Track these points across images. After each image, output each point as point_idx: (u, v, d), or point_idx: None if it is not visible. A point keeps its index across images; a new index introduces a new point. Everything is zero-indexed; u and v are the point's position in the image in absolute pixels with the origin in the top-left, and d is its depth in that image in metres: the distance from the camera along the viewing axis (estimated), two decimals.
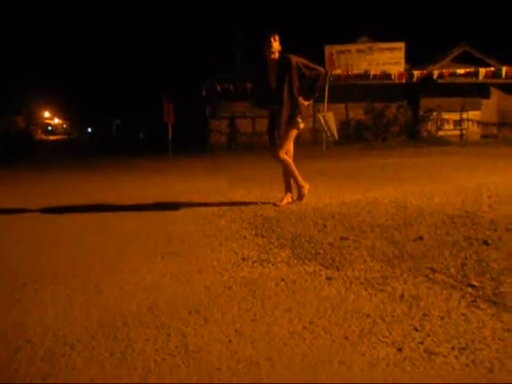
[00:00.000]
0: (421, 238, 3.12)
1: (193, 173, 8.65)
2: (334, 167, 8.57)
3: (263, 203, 4.67)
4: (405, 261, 2.62)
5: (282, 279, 2.35)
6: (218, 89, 16.54)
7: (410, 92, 16.23)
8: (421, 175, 6.86)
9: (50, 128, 66.40)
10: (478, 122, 17.88)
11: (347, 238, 3.12)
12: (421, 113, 16.94)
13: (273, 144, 4.57)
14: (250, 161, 11.47)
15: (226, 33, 21.38)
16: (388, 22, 18.78)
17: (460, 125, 17.65)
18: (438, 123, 17.11)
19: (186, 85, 17.44)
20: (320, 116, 18.29)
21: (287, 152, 4.51)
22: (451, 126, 17.52)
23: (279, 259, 2.69)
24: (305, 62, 4.37)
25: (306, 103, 4.43)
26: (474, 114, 17.80)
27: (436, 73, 13.98)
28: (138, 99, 21.52)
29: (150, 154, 14.76)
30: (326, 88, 14.89)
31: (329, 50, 16.50)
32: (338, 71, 14.76)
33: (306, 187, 4.67)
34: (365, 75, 14.78)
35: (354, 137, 16.26)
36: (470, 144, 15.82)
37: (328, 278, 2.33)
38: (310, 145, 16.02)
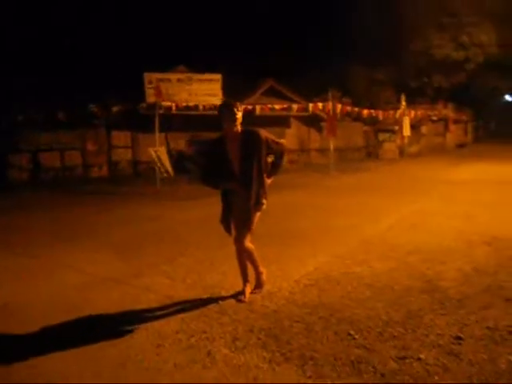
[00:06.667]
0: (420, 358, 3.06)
1: (54, 238, 6.80)
2: (201, 216, 7.86)
3: (222, 299, 3.94)
4: None
5: None
6: (20, 117, 13.79)
7: None
8: (303, 230, 6.97)
9: None
10: None
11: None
12: None
13: (229, 231, 3.89)
14: (82, 206, 9.74)
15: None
16: (202, 52, 19.01)
17: None
18: None
19: None
20: (152, 151, 16.91)
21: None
22: None
23: None
24: (272, 136, 3.85)
25: (269, 181, 3.91)
26: None
27: (258, 108, 14.84)
28: None
29: None
30: (157, 119, 13.94)
31: (148, 77, 15.66)
32: (167, 103, 14.11)
33: (265, 273, 4.13)
34: (194, 107, 14.60)
35: (176, 169, 15.72)
36: (283, 170, 17.30)
37: None
38: (132, 179, 14.77)
